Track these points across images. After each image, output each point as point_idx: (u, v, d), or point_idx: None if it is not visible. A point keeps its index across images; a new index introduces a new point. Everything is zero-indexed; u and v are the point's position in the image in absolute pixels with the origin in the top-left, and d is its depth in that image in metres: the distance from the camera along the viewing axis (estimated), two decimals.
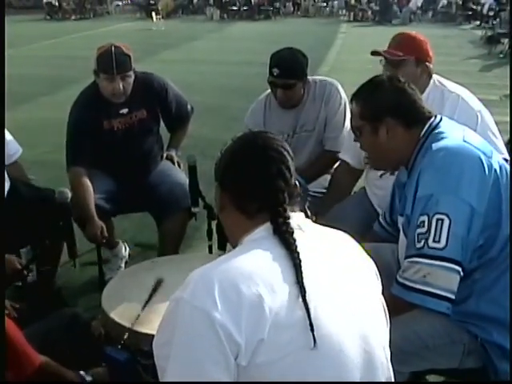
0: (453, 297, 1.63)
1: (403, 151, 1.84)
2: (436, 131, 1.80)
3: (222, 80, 10.14)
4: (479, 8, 22.04)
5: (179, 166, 3.16)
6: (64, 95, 7.22)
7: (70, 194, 2.47)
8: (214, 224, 2.39)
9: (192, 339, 1.08)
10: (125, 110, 2.91)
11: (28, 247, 2.78)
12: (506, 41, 13.89)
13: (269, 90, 2.93)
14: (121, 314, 1.82)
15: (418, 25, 21.01)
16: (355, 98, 1.90)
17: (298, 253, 1.17)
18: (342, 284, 1.21)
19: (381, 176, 2.46)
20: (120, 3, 31.04)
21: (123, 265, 3.33)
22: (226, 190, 1.30)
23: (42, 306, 2.51)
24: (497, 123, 2.49)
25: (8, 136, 2.82)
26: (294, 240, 1.19)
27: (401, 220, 1.89)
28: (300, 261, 1.16)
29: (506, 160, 1.93)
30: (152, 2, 25.99)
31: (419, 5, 24.98)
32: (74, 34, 19.13)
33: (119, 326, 1.78)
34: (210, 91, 8.89)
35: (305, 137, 2.95)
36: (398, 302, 1.65)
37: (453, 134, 1.78)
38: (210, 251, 2.58)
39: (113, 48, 2.75)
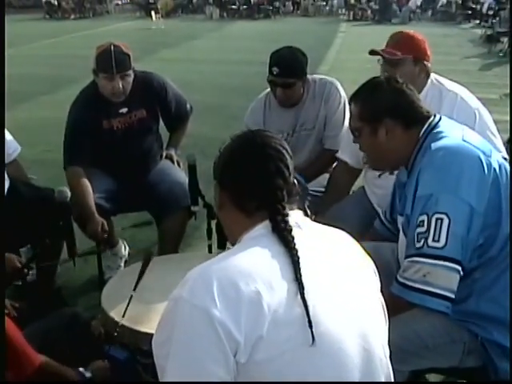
0: (453, 296, 1.63)
1: (402, 151, 1.84)
2: (435, 131, 1.80)
3: (222, 79, 10.14)
4: (479, 7, 22.02)
5: (179, 164, 3.15)
6: (64, 94, 7.21)
7: (69, 193, 2.47)
8: (213, 223, 2.38)
9: (191, 338, 1.08)
10: (124, 110, 2.90)
11: (28, 246, 2.79)
12: (505, 40, 13.88)
13: (268, 89, 2.93)
14: (121, 313, 1.81)
15: (418, 24, 21.01)
16: (354, 99, 1.90)
17: (297, 250, 1.17)
18: (340, 282, 1.22)
19: (379, 175, 2.46)
20: (119, 2, 31.07)
21: (123, 264, 3.33)
22: (225, 188, 1.31)
23: (42, 305, 2.51)
24: (497, 122, 2.49)
25: (8, 136, 2.82)
26: (293, 237, 1.19)
27: (400, 219, 1.89)
28: (298, 258, 1.16)
29: (505, 159, 1.92)
30: (151, 1, 25.98)
31: (419, 4, 25.00)
32: (73, 33, 19.13)
33: (119, 325, 1.77)
34: (210, 90, 8.89)
35: (304, 135, 2.95)
36: (397, 302, 1.65)
37: (452, 133, 1.78)
38: (210, 250, 2.57)
39: (112, 47, 2.74)
